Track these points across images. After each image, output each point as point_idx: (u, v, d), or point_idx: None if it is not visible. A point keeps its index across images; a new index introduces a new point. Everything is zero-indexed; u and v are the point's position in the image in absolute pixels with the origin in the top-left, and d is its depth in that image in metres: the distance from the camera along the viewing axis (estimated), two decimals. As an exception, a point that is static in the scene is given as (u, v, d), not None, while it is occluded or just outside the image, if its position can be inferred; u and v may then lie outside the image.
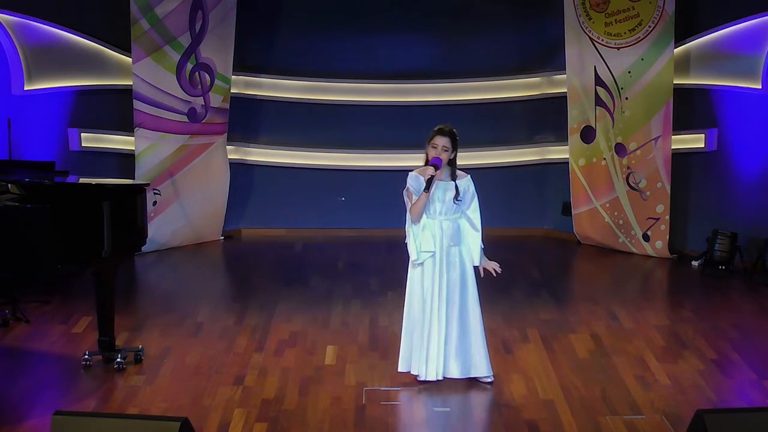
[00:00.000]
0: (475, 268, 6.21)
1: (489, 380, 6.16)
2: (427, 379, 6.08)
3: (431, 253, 6.06)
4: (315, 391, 6.05)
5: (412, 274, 6.16)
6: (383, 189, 11.03)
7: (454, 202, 6.10)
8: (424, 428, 5.69)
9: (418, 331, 6.11)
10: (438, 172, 6.03)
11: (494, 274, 6.21)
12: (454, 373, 6.12)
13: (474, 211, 6.19)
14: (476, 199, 6.19)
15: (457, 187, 6.11)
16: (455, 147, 6.10)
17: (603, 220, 10.37)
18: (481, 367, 6.12)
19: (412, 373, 6.15)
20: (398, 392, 6.03)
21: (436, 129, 6.12)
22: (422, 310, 6.10)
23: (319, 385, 6.14)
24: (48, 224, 5.82)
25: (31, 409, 5.70)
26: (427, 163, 6.11)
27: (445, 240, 6.09)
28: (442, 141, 6.05)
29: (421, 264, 6.08)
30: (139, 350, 6.61)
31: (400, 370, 6.20)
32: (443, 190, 6.09)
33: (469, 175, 6.21)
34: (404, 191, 6.11)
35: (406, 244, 6.13)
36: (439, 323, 6.06)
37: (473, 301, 6.15)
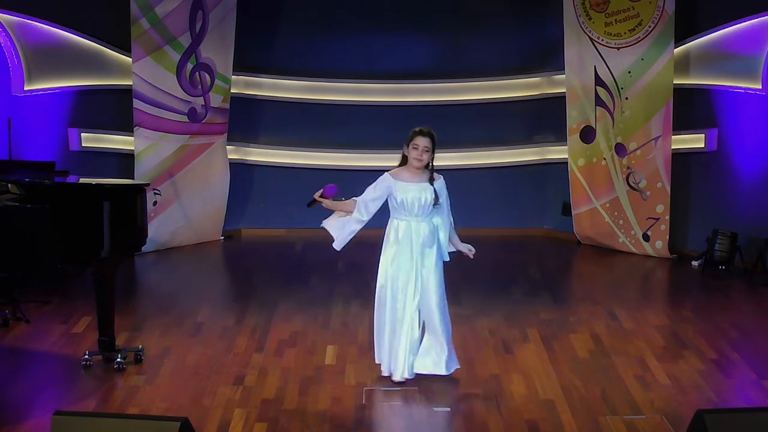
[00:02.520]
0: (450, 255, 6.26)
1: (450, 372, 6.22)
2: (397, 380, 6.11)
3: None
4: (315, 391, 6.05)
5: (385, 271, 6.15)
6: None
7: (434, 206, 6.09)
8: (424, 428, 5.69)
9: (388, 329, 6.13)
10: (413, 174, 6.03)
11: (470, 256, 6.20)
12: (420, 368, 6.17)
13: (448, 209, 6.20)
14: (448, 198, 6.20)
15: (435, 191, 6.09)
16: (434, 148, 6.09)
17: (603, 220, 10.38)
18: (442, 366, 6.18)
19: (383, 373, 6.18)
20: (398, 392, 6.03)
21: (416, 130, 6.10)
22: (392, 308, 6.11)
23: (319, 385, 6.14)
24: (48, 224, 5.82)
25: (31, 409, 5.70)
26: (403, 163, 6.11)
27: (419, 241, 6.09)
28: (423, 142, 6.05)
29: (396, 262, 6.09)
30: (139, 350, 6.61)
31: (377, 361, 6.26)
32: (419, 192, 6.06)
33: (442, 176, 6.20)
34: (371, 185, 6.12)
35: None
36: (411, 324, 6.08)
37: (442, 301, 6.15)
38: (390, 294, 6.12)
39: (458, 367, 6.28)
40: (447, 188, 6.19)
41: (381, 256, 6.21)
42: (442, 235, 6.19)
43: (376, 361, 6.28)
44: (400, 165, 6.15)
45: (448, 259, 6.24)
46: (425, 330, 6.19)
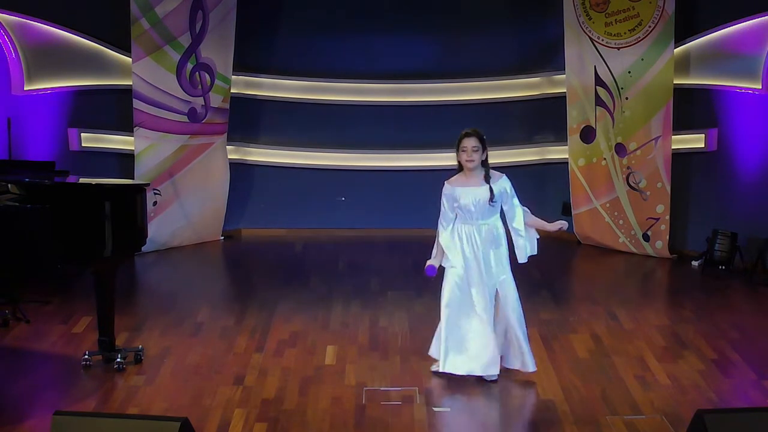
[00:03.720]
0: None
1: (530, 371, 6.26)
2: (462, 374, 6.15)
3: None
4: (315, 391, 6.05)
5: (450, 277, 6.19)
6: (383, 189, 11.04)
7: (490, 205, 6.11)
8: (424, 428, 5.69)
9: (455, 332, 6.16)
10: (469, 176, 6.12)
11: (564, 228, 6.32)
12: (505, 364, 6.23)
13: (517, 205, 6.23)
14: (515, 196, 6.24)
15: (491, 189, 6.10)
16: (485, 147, 6.15)
17: (603, 220, 10.37)
18: (527, 363, 6.23)
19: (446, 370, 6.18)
20: (398, 392, 6.03)
21: (462, 133, 6.18)
22: (458, 313, 6.15)
23: (319, 385, 6.14)
24: (48, 224, 5.82)
25: (31, 409, 5.70)
26: (459, 170, 6.18)
27: (482, 245, 6.12)
28: (471, 142, 6.11)
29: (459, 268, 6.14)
30: (139, 350, 6.61)
31: (449, 370, 6.24)
32: (474, 194, 6.10)
33: (504, 175, 6.24)
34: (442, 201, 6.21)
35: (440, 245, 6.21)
36: (482, 324, 6.11)
37: (514, 302, 6.21)
38: (457, 299, 6.15)
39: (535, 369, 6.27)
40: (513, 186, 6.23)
41: (447, 261, 6.20)
42: (518, 238, 6.22)
43: (451, 370, 6.21)
44: (458, 172, 6.21)
45: (525, 260, 6.28)
46: (502, 331, 6.21)
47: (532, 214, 6.31)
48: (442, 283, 6.23)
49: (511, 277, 6.27)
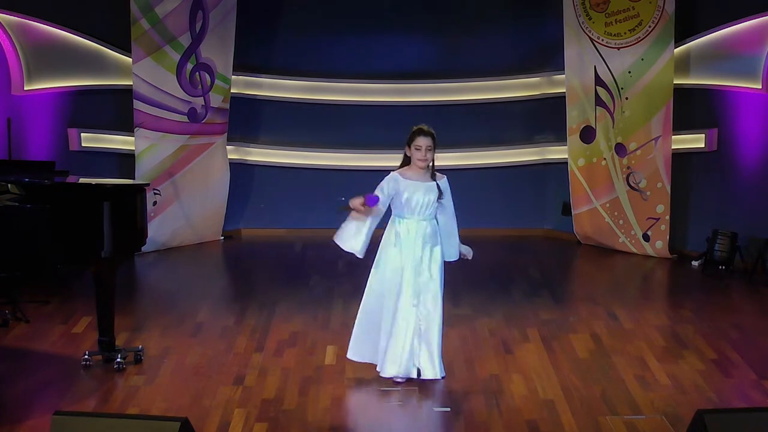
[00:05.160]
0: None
1: (438, 378, 6.17)
2: (389, 376, 6.11)
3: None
4: (315, 391, 6.05)
5: (383, 270, 6.15)
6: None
7: (438, 202, 6.09)
8: (424, 428, 5.69)
9: (378, 326, 6.15)
10: (416, 173, 6.04)
11: (468, 258, 6.25)
12: (412, 373, 6.12)
13: (452, 210, 6.20)
14: (452, 199, 6.22)
15: (439, 187, 6.09)
16: (435, 147, 6.10)
17: (603, 220, 10.38)
18: (429, 370, 6.12)
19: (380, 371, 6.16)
20: (398, 392, 6.03)
21: (416, 129, 6.10)
22: (383, 305, 6.13)
23: (319, 385, 6.14)
24: (48, 224, 5.82)
25: (31, 409, 5.70)
26: (405, 163, 6.10)
27: (421, 240, 6.09)
28: (426, 142, 6.05)
29: (398, 260, 6.09)
30: (139, 350, 6.61)
31: (349, 356, 6.26)
32: (424, 191, 6.06)
33: (445, 176, 6.19)
34: (378, 186, 6.09)
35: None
36: (407, 321, 6.06)
37: (438, 301, 6.13)
38: (387, 292, 6.11)
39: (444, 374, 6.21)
40: (450, 188, 6.19)
41: (380, 253, 6.19)
42: (447, 236, 6.19)
43: (355, 358, 6.26)
44: (402, 165, 6.15)
45: (456, 258, 6.24)
46: (422, 331, 6.12)
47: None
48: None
49: (440, 279, 6.15)
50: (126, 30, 9.57)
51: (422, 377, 6.12)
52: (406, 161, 6.14)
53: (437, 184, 6.09)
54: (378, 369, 6.18)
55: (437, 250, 6.14)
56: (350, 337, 6.32)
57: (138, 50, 9.61)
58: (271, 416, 5.63)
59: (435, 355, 6.13)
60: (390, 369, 6.08)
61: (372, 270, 6.23)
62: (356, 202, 6.02)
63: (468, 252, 6.27)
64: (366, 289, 6.24)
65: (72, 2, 9.83)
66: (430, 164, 6.11)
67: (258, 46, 10.94)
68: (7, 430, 5.35)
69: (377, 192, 6.06)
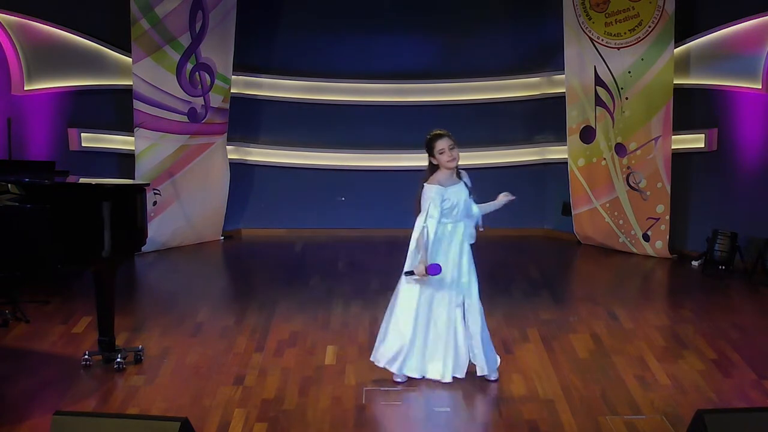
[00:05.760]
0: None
1: (493, 378, 6.20)
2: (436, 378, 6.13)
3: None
4: (315, 391, 6.05)
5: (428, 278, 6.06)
6: (383, 189, 11.04)
7: (472, 199, 6.13)
8: (424, 428, 5.69)
9: (427, 335, 6.13)
10: (447, 176, 6.05)
11: (512, 198, 6.34)
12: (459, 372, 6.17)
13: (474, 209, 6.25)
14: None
15: (468, 186, 6.14)
16: (456, 143, 6.13)
17: (603, 220, 10.38)
18: (484, 367, 6.17)
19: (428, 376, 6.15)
20: (398, 392, 6.03)
21: (432, 136, 6.05)
22: (436, 310, 6.11)
23: (319, 385, 6.14)
24: (48, 224, 5.82)
25: (31, 409, 5.70)
26: (432, 169, 6.05)
27: (460, 239, 6.12)
28: (447, 143, 6.02)
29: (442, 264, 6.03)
30: (139, 350, 6.61)
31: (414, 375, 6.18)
32: (458, 193, 6.08)
33: (465, 171, 6.26)
34: (429, 201, 5.94)
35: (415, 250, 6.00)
36: (457, 324, 6.11)
37: (478, 307, 6.18)
38: (439, 298, 6.10)
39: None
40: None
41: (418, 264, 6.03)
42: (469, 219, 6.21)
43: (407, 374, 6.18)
44: (431, 174, 6.07)
45: (474, 239, 6.22)
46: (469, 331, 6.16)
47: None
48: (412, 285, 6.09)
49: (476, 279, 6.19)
50: (126, 30, 9.57)
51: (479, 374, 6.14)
52: (433, 168, 6.08)
53: (464, 183, 6.12)
54: (441, 377, 6.15)
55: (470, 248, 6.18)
56: (400, 354, 6.14)
57: (138, 50, 9.62)
58: (271, 416, 5.63)
59: (485, 351, 6.16)
60: (452, 371, 6.12)
61: (409, 280, 6.07)
62: (420, 269, 5.91)
63: (505, 195, 6.31)
64: (411, 302, 6.08)
65: (72, 2, 9.83)
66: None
67: (258, 46, 10.95)
68: (7, 430, 5.35)
69: (431, 210, 5.92)
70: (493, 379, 6.18)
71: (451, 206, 6.06)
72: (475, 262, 6.22)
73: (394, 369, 6.14)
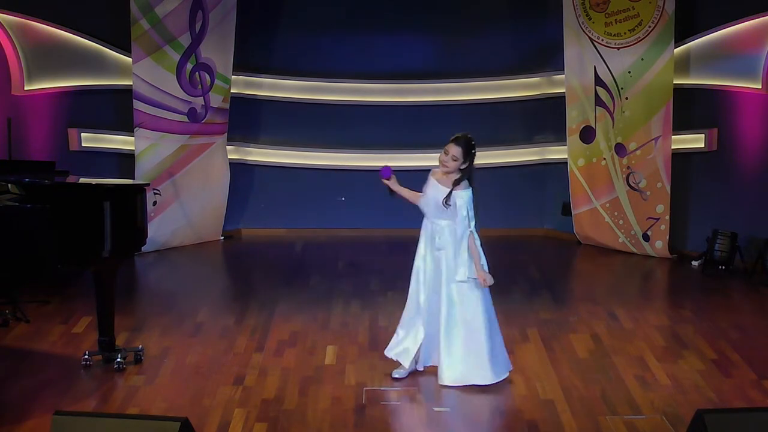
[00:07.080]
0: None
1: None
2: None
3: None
4: (315, 391, 6.05)
5: (415, 265, 6.30)
6: (383, 189, 10.99)
7: (444, 205, 6.06)
8: (424, 428, 5.69)
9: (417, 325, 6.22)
10: (442, 175, 6.11)
11: (484, 284, 6.11)
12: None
13: (464, 222, 6.09)
14: (466, 215, 6.08)
15: (451, 194, 6.07)
16: (467, 158, 6.07)
17: (603, 220, 10.37)
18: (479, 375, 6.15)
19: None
20: (398, 392, 6.03)
21: (455, 136, 6.15)
22: (414, 300, 6.27)
23: (319, 385, 6.14)
24: (48, 224, 5.81)
25: (31, 409, 5.70)
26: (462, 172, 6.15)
27: (433, 241, 6.14)
28: (453, 150, 6.07)
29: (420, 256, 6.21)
30: (139, 350, 6.61)
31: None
32: (435, 192, 6.10)
33: (470, 189, 6.12)
34: (466, 206, 6.16)
35: None
36: (429, 320, 6.18)
37: (476, 307, 6.15)
38: (414, 286, 6.25)
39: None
40: (472, 202, 6.11)
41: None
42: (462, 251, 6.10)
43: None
44: (462, 178, 6.20)
45: (464, 278, 6.08)
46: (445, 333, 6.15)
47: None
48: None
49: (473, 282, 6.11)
50: (126, 30, 9.57)
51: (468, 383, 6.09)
52: (440, 162, 6.20)
53: (451, 190, 6.06)
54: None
55: (447, 254, 6.11)
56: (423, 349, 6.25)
57: (138, 50, 9.61)
58: (271, 416, 5.63)
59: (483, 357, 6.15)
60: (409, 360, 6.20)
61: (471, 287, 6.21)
62: (482, 275, 6.11)
63: (479, 277, 6.09)
64: (479, 307, 6.17)
65: (72, 2, 9.83)
66: (455, 173, 6.08)
67: (258, 46, 10.94)
68: (7, 430, 5.35)
69: (471, 214, 6.19)
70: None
71: (424, 198, 6.15)
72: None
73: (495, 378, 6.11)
